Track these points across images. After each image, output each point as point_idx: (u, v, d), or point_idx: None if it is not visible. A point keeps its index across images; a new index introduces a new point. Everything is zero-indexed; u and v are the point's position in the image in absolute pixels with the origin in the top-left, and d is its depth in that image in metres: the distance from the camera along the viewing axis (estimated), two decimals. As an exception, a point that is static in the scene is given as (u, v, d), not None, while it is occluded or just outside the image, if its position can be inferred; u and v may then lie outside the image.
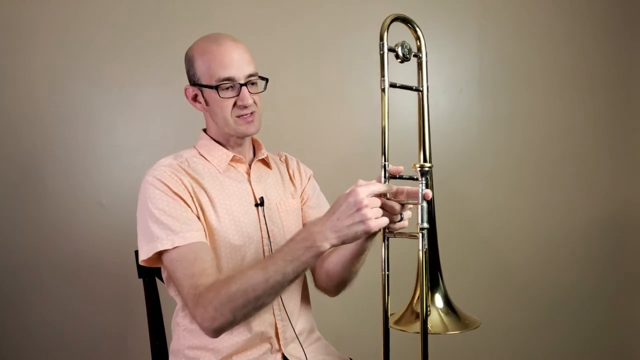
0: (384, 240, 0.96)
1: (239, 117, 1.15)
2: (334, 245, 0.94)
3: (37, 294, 1.77)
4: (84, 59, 1.78)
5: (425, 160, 1.00)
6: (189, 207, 1.10)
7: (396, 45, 0.97)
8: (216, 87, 1.12)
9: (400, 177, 0.98)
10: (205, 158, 1.20)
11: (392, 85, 0.96)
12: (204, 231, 1.11)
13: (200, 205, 1.12)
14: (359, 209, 0.90)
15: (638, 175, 2.24)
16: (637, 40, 2.22)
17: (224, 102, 1.14)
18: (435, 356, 1.89)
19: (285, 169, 1.32)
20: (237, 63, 1.13)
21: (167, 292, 1.21)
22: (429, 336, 0.92)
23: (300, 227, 1.27)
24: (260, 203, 1.18)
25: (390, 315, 0.99)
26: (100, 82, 1.79)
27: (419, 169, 0.91)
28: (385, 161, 0.96)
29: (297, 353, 1.20)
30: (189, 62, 1.18)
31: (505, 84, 2.15)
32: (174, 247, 1.05)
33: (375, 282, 1.02)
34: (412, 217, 0.97)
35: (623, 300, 2.28)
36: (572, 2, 2.18)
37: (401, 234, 0.96)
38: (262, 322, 1.15)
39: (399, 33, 1.01)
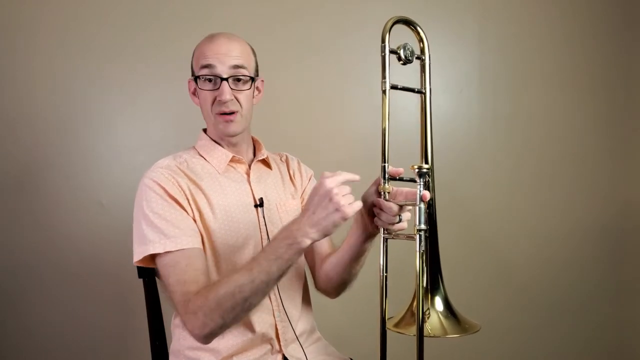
0: (382, 242, 0.96)
1: (218, 114, 1.14)
2: (315, 240, 0.94)
3: (37, 294, 1.77)
4: (84, 59, 1.78)
5: (427, 163, 0.99)
6: (185, 210, 1.10)
7: (398, 47, 0.96)
8: (197, 78, 1.13)
9: (401, 179, 0.98)
10: (205, 158, 1.20)
11: (394, 87, 0.96)
12: (200, 236, 1.10)
13: (198, 207, 1.12)
14: (330, 199, 0.91)
15: (638, 175, 2.23)
16: (637, 40, 2.22)
17: (204, 95, 1.14)
18: (435, 356, 1.88)
19: (286, 169, 1.32)
20: (221, 55, 1.12)
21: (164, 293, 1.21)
22: (428, 337, 0.92)
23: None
24: (259, 204, 1.18)
25: (390, 318, 0.99)
26: (100, 82, 1.79)
27: (417, 170, 0.91)
28: (384, 162, 0.95)
29: (297, 354, 1.19)
30: (192, 56, 1.19)
31: (505, 84, 2.15)
32: (166, 252, 1.05)
33: (375, 283, 1.02)
34: (413, 219, 0.96)
35: (623, 300, 2.28)
36: (572, 2, 2.18)
37: (399, 236, 0.96)
38: (262, 323, 1.15)
39: (401, 34, 1.01)
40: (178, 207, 1.09)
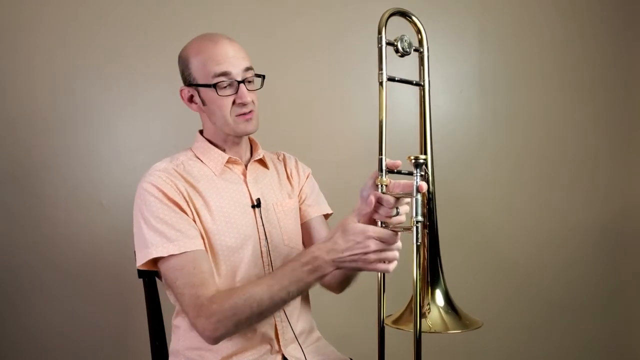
0: None
1: (238, 115, 1.15)
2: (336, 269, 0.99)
3: (37, 294, 1.77)
4: (84, 59, 1.78)
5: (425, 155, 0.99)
6: (185, 213, 1.10)
7: (395, 39, 0.96)
8: (214, 86, 1.12)
9: (399, 172, 0.97)
10: (201, 160, 1.20)
11: (391, 79, 0.95)
12: (202, 237, 1.11)
13: (196, 209, 1.12)
14: (366, 253, 0.94)
15: (638, 175, 2.23)
16: (637, 40, 2.22)
17: (223, 101, 1.13)
18: (435, 356, 1.89)
19: (283, 168, 1.32)
20: (232, 59, 1.12)
21: (167, 292, 1.21)
22: (428, 336, 0.92)
23: (298, 227, 1.27)
24: (257, 204, 1.18)
25: (390, 315, 0.98)
26: (100, 82, 1.79)
27: (413, 161, 0.90)
28: (381, 155, 0.95)
29: (297, 354, 1.19)
30: (184, 63, 1.17)
31: (505, 84, 2.15)
32: (170, 255, 1.06)
33: (375, 282, 1.02)
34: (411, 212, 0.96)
35: (623, 300, 2.28)
36: (572, 2, 2.18)
37: (397, 229, 0.95)
38: (262, 323, 1.15)
39: (399, 29, 1.01)
40: (178, 210, 1.10)
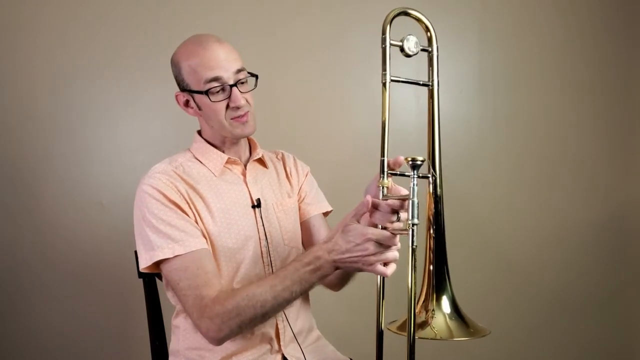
0: None
1: (233, 119, 1.14)
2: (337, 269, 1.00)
3: (37, 294, 1.77)
4: (84, 59, 1.78)
5: (433, 161, 0.98)
6: (186, 214, 1.10)
7: (401, 39, 0.94)
8: (206, 92, 1.11)
9: (402, 175, 0.97)
10: (201, 162, 1.19)
11: (395, 80, 0.93)
12: (204, 237, 1.11)
13: (197, 211, 1.12)
14: (365, 255, 0.94)
15: (638, 175, 2.23)
16: (637, 40, 2.22)
17: (217, 106, 1.12)
18: (434, 356, 1.89)
19: (282, 167, 1.31)
20: (223, 63, 1.11)
21: (167, 293, 1.21)
22: (433, 340, 0.91)
23: (297, 226, 1.27)
24: (257, 204, 1.18)
25: (393, 322, 0.98)
26: (100, 82, 1.79)
27: (410, 162, 0.89)
28: (383, 156, 0.95)
29: (296, 353, 1.20)
30: (176, 68, 1.16)
31: (505, 84, 2.15)
32: (175, 256, 1.06)
33: (375, 282, 1.02)
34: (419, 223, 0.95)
35: (623, 300, 2.28)
36: (572, 2, 2.18)
37: (394, 231, 0.95)
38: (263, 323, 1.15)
39: (401, 29, 1.00)
40: (179, 212, 1.10)
